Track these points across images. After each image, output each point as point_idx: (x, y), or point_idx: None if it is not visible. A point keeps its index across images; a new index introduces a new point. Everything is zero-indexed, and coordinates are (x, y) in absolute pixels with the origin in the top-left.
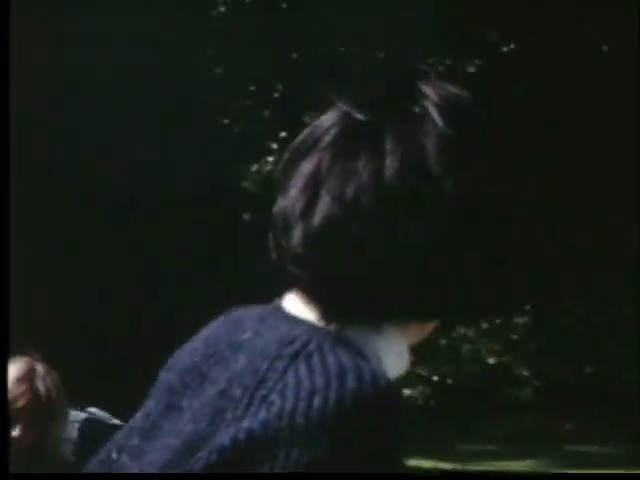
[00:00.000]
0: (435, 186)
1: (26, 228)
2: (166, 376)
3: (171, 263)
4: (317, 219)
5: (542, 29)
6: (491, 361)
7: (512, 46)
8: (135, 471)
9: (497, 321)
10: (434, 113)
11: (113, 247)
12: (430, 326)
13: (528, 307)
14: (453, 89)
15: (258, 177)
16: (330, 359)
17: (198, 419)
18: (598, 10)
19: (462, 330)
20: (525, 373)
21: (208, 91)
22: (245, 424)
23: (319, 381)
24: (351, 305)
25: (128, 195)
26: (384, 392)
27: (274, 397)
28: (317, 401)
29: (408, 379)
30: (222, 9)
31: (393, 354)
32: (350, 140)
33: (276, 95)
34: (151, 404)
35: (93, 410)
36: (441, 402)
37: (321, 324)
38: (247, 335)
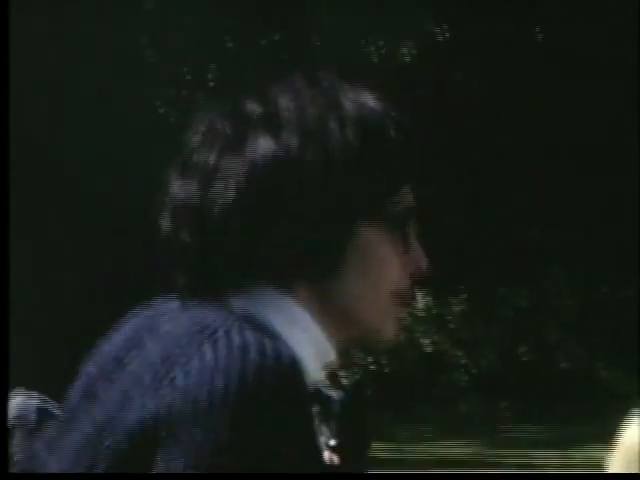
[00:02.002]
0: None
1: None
2: (87, 367)
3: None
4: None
5: (477, 18)
6: (428, 348)
7: (447, 35)
8: (54, 465)
9: (434, 310)
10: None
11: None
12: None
13: (465, 295)
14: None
15: None
16: (236, 340)
17: (109, 407)
18: None
19: None
20: (462, 360)
21: (142, 79)
22: (151, 407)
23: (223, 361)
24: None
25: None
26: (286, 369)
27: (179, 379)
28: (220, 380)
29: (345, 367)
30: None
31: (299, 332)
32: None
33: (211, 84)
34: (71, 396)
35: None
36: (378, 389)
37: (231, 307)
38: (167, 324)
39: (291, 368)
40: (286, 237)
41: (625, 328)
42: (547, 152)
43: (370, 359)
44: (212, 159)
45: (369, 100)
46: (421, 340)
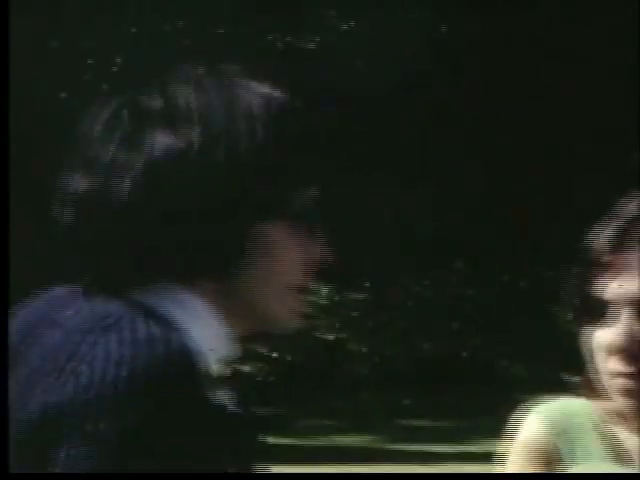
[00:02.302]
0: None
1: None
2: None
3: None
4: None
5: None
6: (330, 337)
7: (352, 23)
8: None
9: (336, 298)
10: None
11: None
12: (257, 295)
13: (367, 284)
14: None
15: None
16: (140, 330)
17: (11, 399)
18: None
19: None
20: (363, 350)
21: (44, 64)
22: (53, 397)
23: (127, 351)
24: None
25: None
26: (191, 361)
27: (83, 369)
28: (124, 371)
29: (247, 356)
30: None
31: (200, 325)
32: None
33: (115, 69)
34: None
35: None
36: (280, 378)
37: (133, 300)
38: (69, 312)
39: (195, 361)
40: (186, 234)
41: (526, 319)
42: (449, 141)
43: (269, 350)
44: (112, 152)
45: (275, 95)
46: (323, 330)
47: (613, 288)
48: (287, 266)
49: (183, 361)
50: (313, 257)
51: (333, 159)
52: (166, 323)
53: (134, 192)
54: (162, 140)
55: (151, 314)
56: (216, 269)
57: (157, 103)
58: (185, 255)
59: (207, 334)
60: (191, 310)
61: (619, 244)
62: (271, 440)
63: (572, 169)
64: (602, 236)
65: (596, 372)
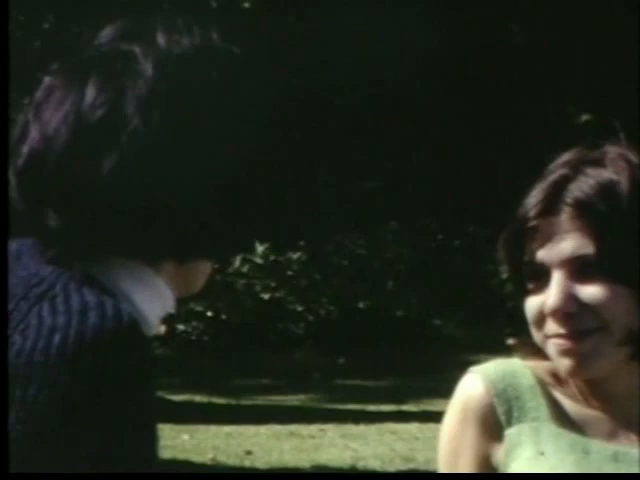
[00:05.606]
0: (127, 125)
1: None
2: None
3: None
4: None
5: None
6: (265, 296)
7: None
8: None
9: (272, 257)
10: (142, 62)
11: None
12: (202, 267)
13: (302, 243)
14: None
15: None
16: (74, 298)
17: None
18: None
19: (237, 265)
20: (299, 308)
21: None
22: None
23: (60, 319)
24: (74, 242)
25: None
26: (125, 329)
27: (16, 337)
28: (57, 339)
29: (181, 314)
30: None
31: (146, 295)
32: (63, 83)
33: (46, 26)
34: None
35: None
36: (215, 337)
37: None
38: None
39: (131, 329)
40: (164, 216)
41: (460, 278)
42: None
43: (204, 308)
44: (56, 113)
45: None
46: (258, 288)
47: (544, 252)
48: None
49: (117, 329)
50: None
51: (265, 122)
52: (103, 291)
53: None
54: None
55: (86, 280)
56: (187, 254)
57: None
58: (154, 237)
59: (151, 295)
60: (135, 272)
61: (547, 208)
62: (207, 399)
63: (510, 129)
64: (530, 200)
65: (533, 334)
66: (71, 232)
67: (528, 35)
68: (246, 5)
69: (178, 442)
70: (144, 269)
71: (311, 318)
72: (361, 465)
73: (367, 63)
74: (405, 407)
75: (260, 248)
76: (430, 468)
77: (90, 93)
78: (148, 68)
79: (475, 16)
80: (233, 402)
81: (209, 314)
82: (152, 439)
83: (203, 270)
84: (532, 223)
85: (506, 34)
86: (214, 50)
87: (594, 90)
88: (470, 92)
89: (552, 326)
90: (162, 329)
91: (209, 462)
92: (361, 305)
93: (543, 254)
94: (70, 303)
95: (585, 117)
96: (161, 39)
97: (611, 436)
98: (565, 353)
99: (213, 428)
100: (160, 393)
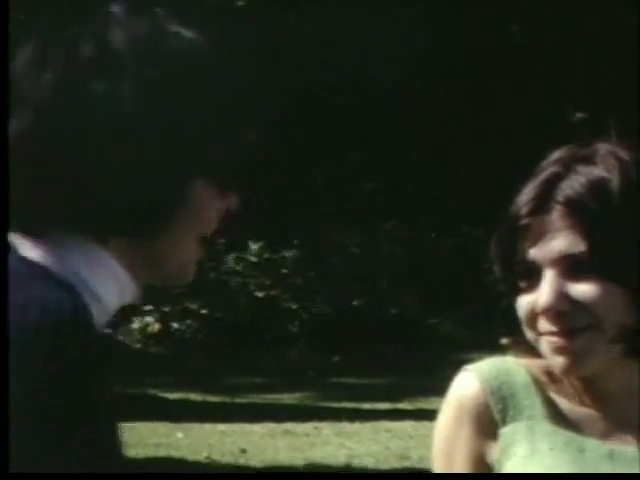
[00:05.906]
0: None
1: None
2: None
3: None
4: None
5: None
6: (260, 295)
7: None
8: None
9: (266, 255)
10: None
11: None
12: (165, 248)
13: (296, 241)
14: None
15: None
16: (20, 293)
17: None
18: None
19: (231, 263)
20: (293, 307)
21: None
22: None
23: (14, 314)
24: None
25: None
26: (67, 323)
27: None
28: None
29: (175, 312)
30: None
31: (98, 273)
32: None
33: (46, 26)
34: None
35: None
36: (209, 335)
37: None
38: None
39: (74, 321)
40: (111, 189)
41: (454, 277)
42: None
43: (199, 307)
44: (39, 92)
45: (206, 48)
46: (253, 287)
47: (535, 250)
48: (205, 218)
49: (56, 325)
50: (225, 208)
51: (259, 116)
52: (56, 282)
53: (61, 137)
54: (95, 88)
55: (36, 271)
56: (139, 230)
57: (90, 49)
58: (105, 213)
59: (110, 281)
60: (94, 257)
61: (539, 206)
62: (201, 397)
63: (510, 129)
64: (522, 198)
65: (526, 332)
66: (24, 206)
67: (528, 35)
68: (240, 3)
69: (172, 440)
70: (92, 245)
71: (306, 316)
72: (356, 463)
73: (367, 63)
74: (400, 405)
75: (254, 246)
76: (424, 466)
77: (50, 75)
78: (130, 59)
79: (475, 16)
80: (227, 400)
81: (203, 312)
82: (107, 431)
83: (167, 252)
84: (523, 221)
85: (506, 34)
86: (199, 47)
87: (594, 90)
88: (470, 92)
89: (545, 324)
90: (156, 327)
91: (203, 460)
92: (356, 303)
93: (535, 252)
94: (15, 298)
95: (579, 115)
96: (147, 32)
97: (606, 434)
98: (558, 351)
99: (207, 426)
100: (154, 391)
